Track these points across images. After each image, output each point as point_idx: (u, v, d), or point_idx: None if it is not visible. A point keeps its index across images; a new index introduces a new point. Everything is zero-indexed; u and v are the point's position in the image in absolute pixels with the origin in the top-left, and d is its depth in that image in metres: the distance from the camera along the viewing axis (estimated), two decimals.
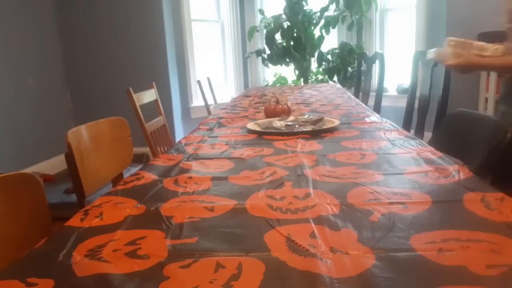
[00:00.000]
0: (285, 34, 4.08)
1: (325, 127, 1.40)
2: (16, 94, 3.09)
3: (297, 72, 4.29)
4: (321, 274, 0.50)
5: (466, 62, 1.32)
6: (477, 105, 3.68)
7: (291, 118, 1.50)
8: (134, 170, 1.18)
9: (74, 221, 0.71)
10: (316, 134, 1.35)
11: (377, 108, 2.78)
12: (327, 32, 4.14)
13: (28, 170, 3.04)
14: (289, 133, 1.37)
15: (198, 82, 3.26)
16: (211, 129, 1.58)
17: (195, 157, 1.15)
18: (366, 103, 2.63)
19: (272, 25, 4.11)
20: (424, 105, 1.99)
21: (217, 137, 1.42)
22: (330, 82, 4.19)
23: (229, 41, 4.49)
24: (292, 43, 4.12)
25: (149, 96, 2.07)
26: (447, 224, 0.63)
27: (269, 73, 4.72)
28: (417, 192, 0.77)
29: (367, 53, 3.70)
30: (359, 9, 3.93)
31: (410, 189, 0.79)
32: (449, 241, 0.57)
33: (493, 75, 3.36)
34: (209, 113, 3.10)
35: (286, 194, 0.80)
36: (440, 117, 1.92)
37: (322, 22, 4.09)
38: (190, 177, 0.95)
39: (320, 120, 1.45)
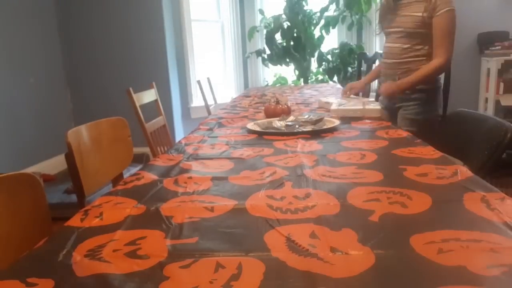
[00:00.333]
0: (285, 34, 4.08)
1: (325, 127, 1.40)
2: (16, 94, 3.09)
3: (297, 72, 4.29)
4: (321, 274, 0.50)
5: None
6: (477, 105, 3.69)
7: (291, 118, 1.50)
8: (134, 170, 1.18)
9: (74, 221, 0.71)
10: (316, 134, 1.35)
11: None
12: (327, 32, 4.14)
13: (28, 170, 3.04)
14: (289, 133, 1.37)
15: (198, 82, 3.26)
16: (211, 129, 1.58)
17: (195, 157, 1.15)
18: None
19: (272, 25, 4.11)
20: None
21: (217, 137, 1.42)
22: (330, 82, 4.19)
23: (229, 41, 4.49)
24: (292, 43, 4.12)
25: (149, 96, 2.07)
26: (447, 224, 0.63)
27: (269, 73, 4.72)
28: (417, 192, 0.77)
29: (367, 53, 3.70)
30: (359, 9, 3.93)
31: (410, 189, 0.79)
32: (449, 241, 0.57)
33: (493, 75, 3.36)
34: (209, 113, 3.09)
35: (286, 194, 0.80)
36: (440, 117, 1.92)
37: (322, 22, 4.09)
38: (190, 177, 0.95)
39: (320, 120, 1.45)
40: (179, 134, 3.95)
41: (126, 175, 1.28)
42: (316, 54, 4.17)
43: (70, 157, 1.08)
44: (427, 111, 1.70)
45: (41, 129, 3.33)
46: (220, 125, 1.67)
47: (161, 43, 3.68)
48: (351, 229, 0.62)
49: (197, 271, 0.53)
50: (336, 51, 4.16)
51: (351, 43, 4.18)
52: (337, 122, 1.46)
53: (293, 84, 4.39)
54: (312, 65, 4.30)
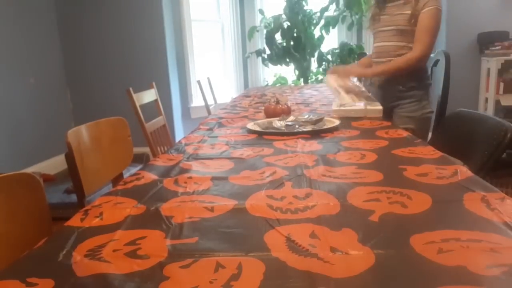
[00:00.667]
0: (285, 34, 4.08)
1: (325, 127, 1.40)
2: (16, 94, 3.09)
3: (297, 72, 4.29)
4: (321, 274, 0.50)
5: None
6: (477, 105, 3.69)
7: (291, 118, 1.50)
8: (134, 170, 1.18)
9: (74, 221, 0.71)
10: (316, 134, 1.35)
11: None
12: (327, 32, 4.14)
13: (28, 170, 3.04)
14: (289, 133, 1.37)
15: (198, 82, 3.26)
16: (211, 129, 1.58)
17: (195, 157, 1.15)
18: None
19: (272, 25, 4.11)
20: None
21: (217, 137, 1.42)
22: None
23: (229, 41, 4.49)
24: (292, 43, 4.12)
25: (149, 96, 2.07)
26: (447, 224, 0.62)
27: (269, 73, 4.72)
28: (417, 192, 0.77)
29: (367, 53, 3.70)
30: (359, 9, 3.93)
31: (410, 189, 0.79)
32: (449, 241, 0.57)
33: (493, 75, 3.36)
34: (209, 113, 3.09)
35: (286, 194, 0.80)
36: (440, 117, 1.92)
37: (322, 22, 4.09)
38: (190, 177, 0.95)
39: (320, 120, 1.45)
40: (179, 134, 3.95)
41: (126, 175, 1.28)
42: (316, 54, 4.17)
43: (70, 157, 1.08)
44: (422, 107, 1.76)
45: (41, 129, 3.33)
46: (220, 125, 1.67)
47: (161, 43, 3.69)
48: (351, 229, 0.62)
49: (197, 271, 0.53)
50: (336, 51, 4.16)
51: (351, 43, 4.18)
52: (337, 122, 1.46)
53: (293, 84, 4.39)
54: (312, 65, 4.30)
